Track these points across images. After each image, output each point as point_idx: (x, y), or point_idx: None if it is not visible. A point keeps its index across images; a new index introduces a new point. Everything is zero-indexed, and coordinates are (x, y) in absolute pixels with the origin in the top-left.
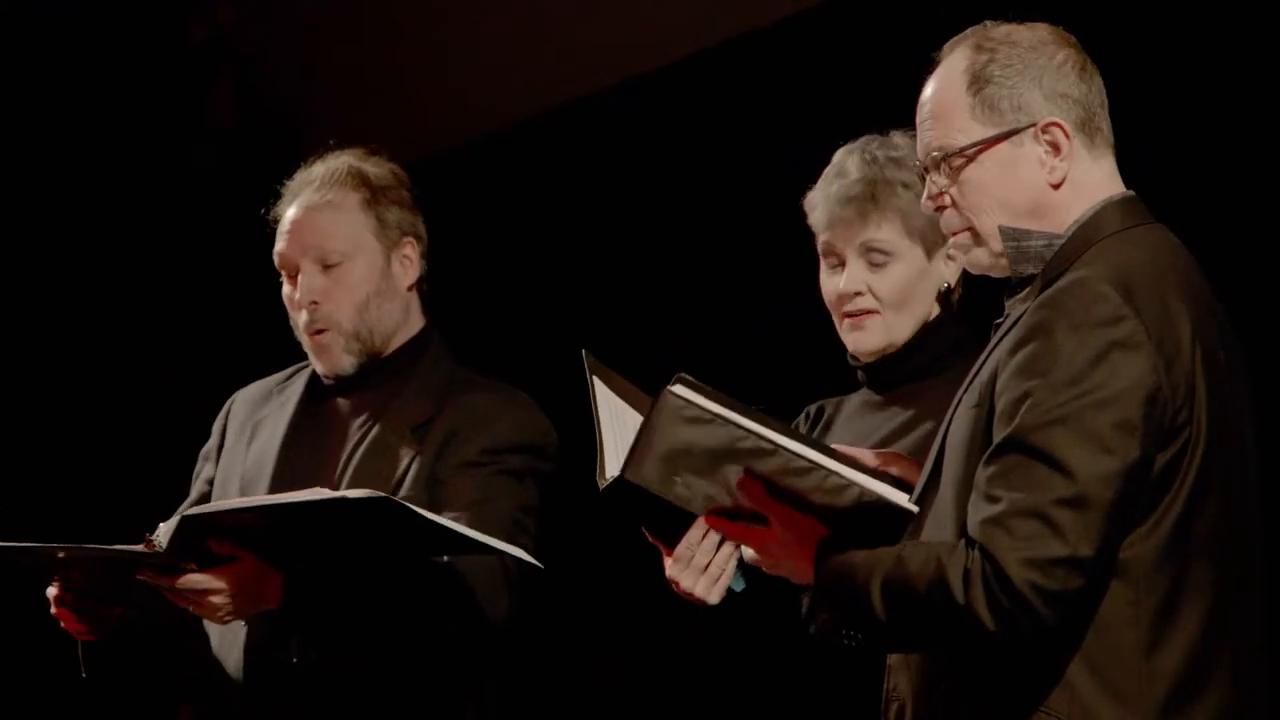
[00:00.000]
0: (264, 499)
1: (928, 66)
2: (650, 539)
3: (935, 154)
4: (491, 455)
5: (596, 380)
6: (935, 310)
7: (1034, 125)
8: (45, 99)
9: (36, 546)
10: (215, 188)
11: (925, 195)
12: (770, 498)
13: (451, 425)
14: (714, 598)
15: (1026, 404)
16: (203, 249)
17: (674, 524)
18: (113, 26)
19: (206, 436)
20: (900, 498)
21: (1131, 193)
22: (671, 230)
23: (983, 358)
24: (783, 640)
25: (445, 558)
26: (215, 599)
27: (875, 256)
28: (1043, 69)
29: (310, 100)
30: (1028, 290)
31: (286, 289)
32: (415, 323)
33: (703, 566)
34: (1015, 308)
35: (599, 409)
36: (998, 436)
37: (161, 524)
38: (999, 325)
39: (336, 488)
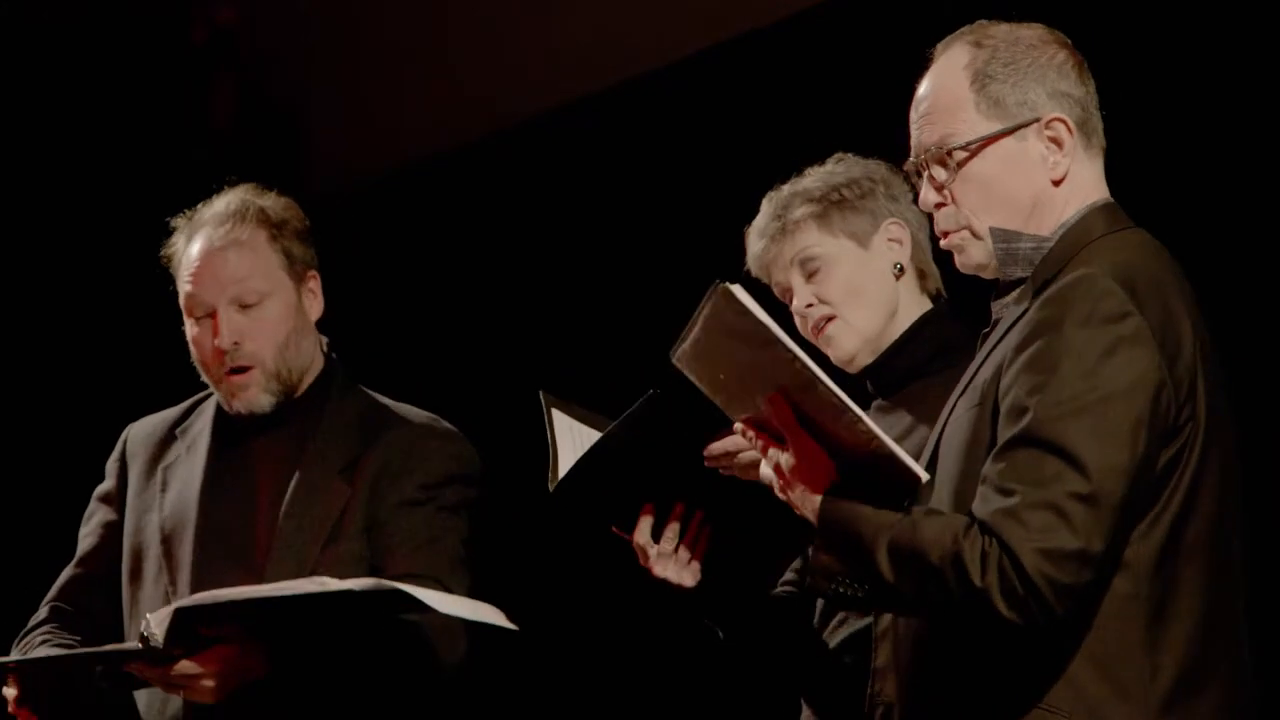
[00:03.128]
0: (266, 590)
1: (926, 66)
2: (616, 533)
3: (936, 148)
4: (429, 491)
5: (555, 411)
6: (905, 296)
7: (1038, 120)
8: (46, 99)
9: (44, 658)
10: (215, 187)
11: (923, 192)
12: (796, 422)
13: (380, 463)
14: (689, 580)
15: (1037, 398)
16: None
17: (629, 514)
18: (113, 26)
19: None
20: (912, 463)
21: (1112, 200)
22: (671, 230)
23: (978, 360)
24: (771, 648)
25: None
26: (206, 682)
27: (808, 266)
28: (1044, 67)
29: (310, 100)
30: (1017, 293)
31: (195, 331)
32: (320, 357)
33: (671, 553)
34: (1004, 311)
35: (555, 429)
36: (1006, 431)
37: (149, 615)
38: (986, 335)
39: (270, 536)
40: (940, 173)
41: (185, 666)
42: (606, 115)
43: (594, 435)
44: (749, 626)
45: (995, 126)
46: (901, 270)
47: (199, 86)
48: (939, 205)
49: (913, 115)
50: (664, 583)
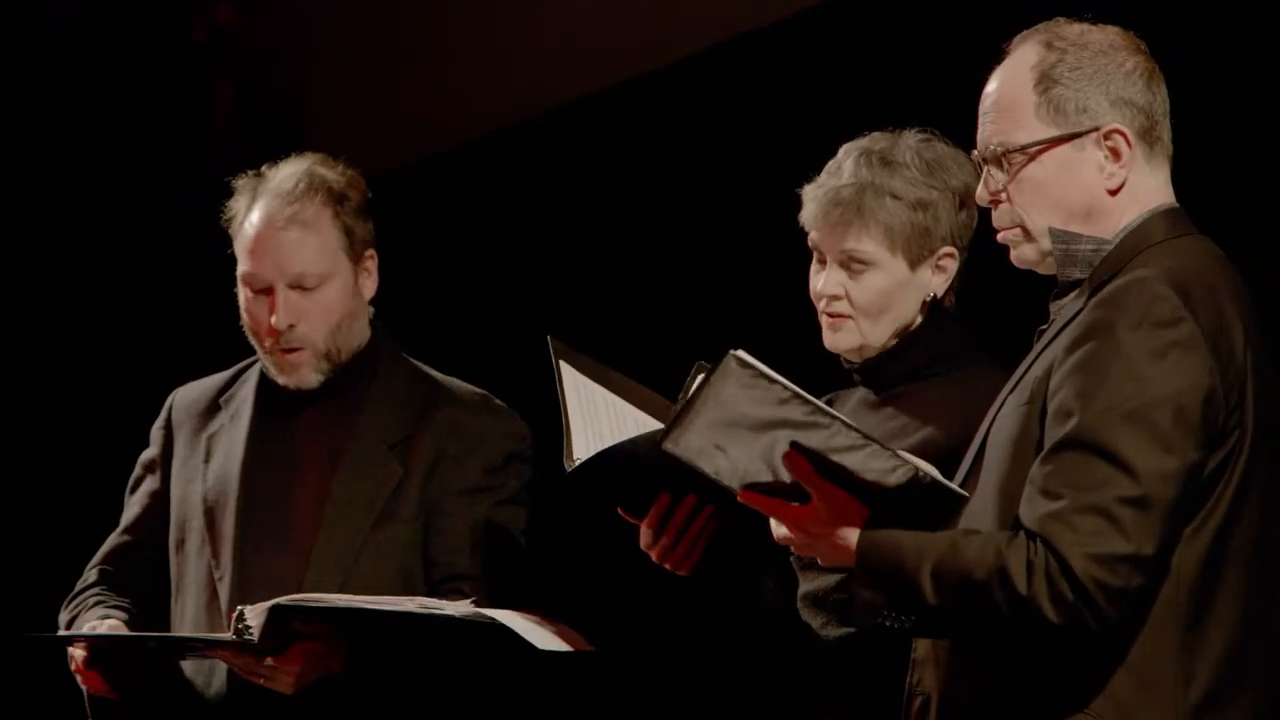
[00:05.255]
0: (366, 602)
1: (928, 67)
2: (623, 515)
3: (995, 148)
4: (491, 477)
5: (564, 364)
6: (919, 318)
7: (1097, 130)
8: (46, 99)
9: (134, 636)
10: (215, 188)
11: (981, 187)
12: (816, 473)
13: (437, 445)
14: (685, 569)
15: (1086, 401)
16: (202, 249)
17: (642, 498)
18: (113, 26)
19: None
20: (952, 483)
21: (1177, 205)
22: (671, 230)
23: (1031, 357)
24: (805, 633)
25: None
26: (287, 676)
27: (855, 265)
28: (1111, 74)
29: (310, 100)
30: (1074, 294)
31: (250, 301)
32: (367, 329)
33: (673, 541)
34: (1061, 311)
35: (566, 394)
36: (1054, 433)
37: (246, 608)
38: (1043, 331)
39: (317, 513)
40: (997, 171)
41: (272, 663)
42: (607, 116)
43: (600, 394)
44: (739, 619)
45: (1053, 132)
46: (933, 299)
47: (199, 86)
48: (994, 202)
49: (980, 109)
50: (662, 569)
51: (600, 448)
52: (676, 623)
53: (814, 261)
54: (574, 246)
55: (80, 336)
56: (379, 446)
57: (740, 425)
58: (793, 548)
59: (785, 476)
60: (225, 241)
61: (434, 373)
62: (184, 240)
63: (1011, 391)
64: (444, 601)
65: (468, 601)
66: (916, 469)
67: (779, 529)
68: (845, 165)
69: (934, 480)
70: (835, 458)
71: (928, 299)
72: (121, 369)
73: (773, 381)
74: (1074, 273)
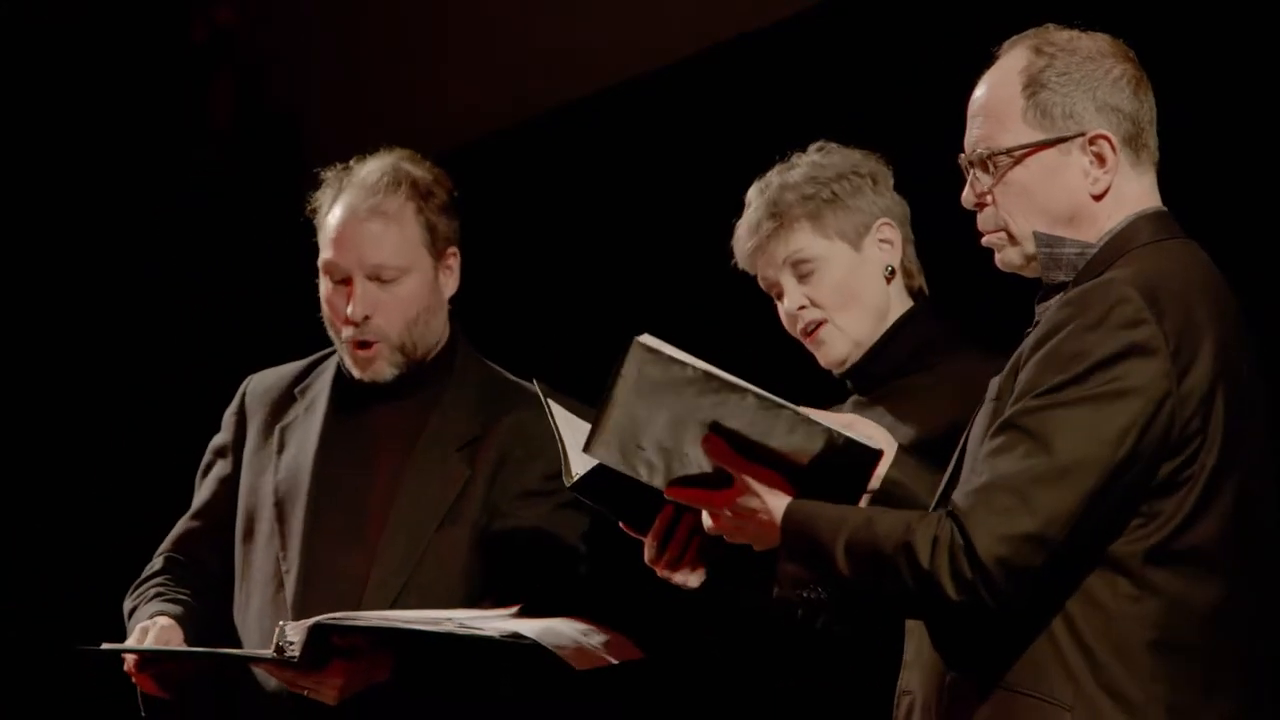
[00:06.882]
0: (403, 621)
1: (926, 68)
2: (625, 529)
3: (981, 151)
4: (552, 481)
5: (551, 402)
6: (894, 297)
7: (1082, 135)
8: (46, 99)
9: (177, 651)
10: (215, 187)
11: (966, 190)
12: (736, 454)
13: (503, 447)
14: (693, 582)
15: (1034, 390)
16: (203, 248)
17: (645, 511)
18: (113, 26)
19: (205, 433)
20: (867, 440)
21: (1164, 208)
22: (672, 231)
23: (1011, 361)
24: (795, 637)
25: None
26: (330, 690)
27: (801, 268)
28: (1098, 80)
29: (310, 100)
30: (1059, 297)
31: (329, 290)
32: (447, 329)
33: (677, 555)
34: (1045, 313)
35: (557, 422)
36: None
37: (288, 624)
38: (1029, 333)
39: (385, 511)
40: (983, 175)
41: (315, 676)
42: (606, 116)
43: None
44: (742, 630)
45: (1039, 136)
46: (893, 273)
47: (199, 86)
48: (979, 205)
49: (969, 113)
50: (668, 581)
51: (594, 463)
52: (688, 632)
53: (775, 301)
54: (574, 247)
55: (78, 336)
56: (448, 448)
57: (655, 415)
58: (725, 536)
59: (708, 466)
60: (228, 241)
61: (507, 374)
62: (183, 239)
63: (989, 392)
64: (485, 616)
65: (511, 612)
66: (830, 431)
67: (708, 520)
68: (751, 198)
69: (848, 440)
70: (750, 434)
71: (887, 273)
72: (119, 369)
73: (681, 363)
74: (1058, 275)
